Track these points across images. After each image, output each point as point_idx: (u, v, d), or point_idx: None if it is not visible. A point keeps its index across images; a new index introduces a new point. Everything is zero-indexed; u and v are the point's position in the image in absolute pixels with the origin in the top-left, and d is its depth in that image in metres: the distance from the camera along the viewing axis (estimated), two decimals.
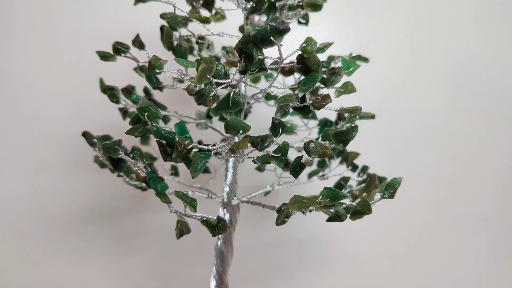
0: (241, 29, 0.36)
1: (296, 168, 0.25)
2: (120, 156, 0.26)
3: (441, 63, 0.51)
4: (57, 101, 0.47)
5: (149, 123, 0.23)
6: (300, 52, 0.24)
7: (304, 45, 0.23)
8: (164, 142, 0.24)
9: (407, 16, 0.51)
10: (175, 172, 0.39)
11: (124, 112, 0.34)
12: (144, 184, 0.28)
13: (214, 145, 0.24)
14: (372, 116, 0.30)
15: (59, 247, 0.48)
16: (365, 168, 0.34)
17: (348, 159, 0.34)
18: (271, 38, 0.21)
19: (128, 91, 0.32)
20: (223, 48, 0.36)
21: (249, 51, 0.22)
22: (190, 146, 0.22)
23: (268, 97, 0.37)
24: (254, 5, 0.26)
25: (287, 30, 0.22)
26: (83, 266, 0.48)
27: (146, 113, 0.23)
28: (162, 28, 0.32)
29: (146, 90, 0.35)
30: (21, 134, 0.47)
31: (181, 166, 0.32)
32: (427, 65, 0.51)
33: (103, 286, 0.48)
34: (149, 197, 0.48)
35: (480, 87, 0.52)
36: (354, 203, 0.25)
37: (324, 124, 0.33)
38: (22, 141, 0.47)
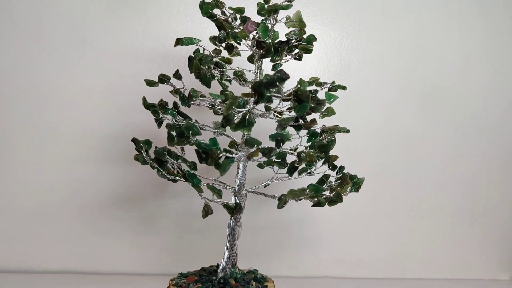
0: (249, 59, 0.46)
1: (291, 169, 0.37)
2: (166, 158, 0.37)
3: (411, 79, 0.63)
4: (93, 108, 0.57)
5: (191, 138, 0.34)
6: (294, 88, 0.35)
7: (299, 85, 0.34)
8: (201, 150, 0.35)
9: (384, 39, 0.62)
10: (194, 167, 0.50)
11: (159, 122, 0.44)
12: (176, 177, 0.39)
13: (236, 153, 0.34)
14: (347, 131, 0.41)
15: (93, 227, 0.59)
16: (341, 168, 0.45)
17: (329, 160, 0.45)
18: (277, 83, 0.32)
19: (163, 106, 0.43)
20: (234, 73, 0.47)
21: (261, 90, 0.33)
22: (221, 155, 0.33)
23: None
24: (263, 52, 0.37)
25: (288, 78, 0.32)
26: (113, 243, 0.59)
27: (191, 131, 0.33)
28: (190, 58, 0.42)
29: (175, 104, 0.45)
30: (64, 135, 0.57)
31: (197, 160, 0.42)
32: (399, 82, 0.63)
33: (130, 259, 0.60)
34: (168, 186, 0.59)
35: (441, 101, 0.64)
36: (331, 195, 0.36)
37: (312, 134, 0.44)
38: (64, 141, 0.57)
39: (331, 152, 0.43)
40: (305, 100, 0.36)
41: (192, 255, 0.59)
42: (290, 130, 0.48)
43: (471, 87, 0.64)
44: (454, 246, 0.67)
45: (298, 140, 0.47)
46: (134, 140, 0.40)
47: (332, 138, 0.38)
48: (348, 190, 0.38)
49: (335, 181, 0.43)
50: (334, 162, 0.46)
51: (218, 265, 0.46)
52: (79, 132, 0.57)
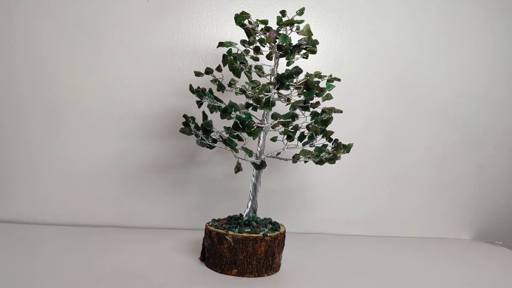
0: (267, 57, 0.61)
1: (300, 138, 0.52)
2: (211, 129, 0.52)
3: (392, 74, 0.79)
4: (136, 93, 0.72)
5: (233, 113, 0.49)
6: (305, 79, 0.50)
7: (308, 77, 0.50)
8: (239, 122, 0.50)
9: (369, 41, 0.77)
10: (232, 135, 0.64)
11: (200, 104, 0.58)
12: (213, 144, 0.54)
13: (264, 124, 0.50)
14: (341, 111, 0.57)
15: (135, 189, 0.74)
16: (336, 140, 0.60)
17: (327, 134, 0.60)
18: (294, 76, 0.47)
19: (204, 90, 0.57)
20: (256, 67, 0.61)
21: (282, 80, 0.48)
22: (254, 124, 0.48)
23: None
24: (282, 53, 0.52)
25: (301, 72, 0.48)
26: (150, 202, 0.74)
27: (233, 108, 0.48)
28: (224, 56, 0.57)
29: (210, 90, 0.60)
30: (112, 114, 0.72)
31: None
32: (383, 76, 0.78)
33: (164, 216, 0.75)
34: (196, 156, 0.74)
35: (412, 89, 0.80)
36: (330, 155, 0.52)
37: (315, 114, 0.60)
38: (112, 119, 0.72)
39: (328, 128, 0.58)
40: (312, 87, 0.51)
41: (214, 213, 0.74)
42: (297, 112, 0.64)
43: (445, 82, 0.80)
44: (425, 210, 0.83)
45: (305, 119, 0.63)
46: (185, 116, 0.55)
47: (330, 116, 0.54)
48: (342, 152, 0.53)
49: (331, 149, 0.59)
50: (331, 136, 0.62)
51: (241, 214, 0.61)
52: (125, 112, 0.72)
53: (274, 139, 0.64)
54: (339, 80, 0.58)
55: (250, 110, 0.56)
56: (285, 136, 0.59)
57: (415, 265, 0.64)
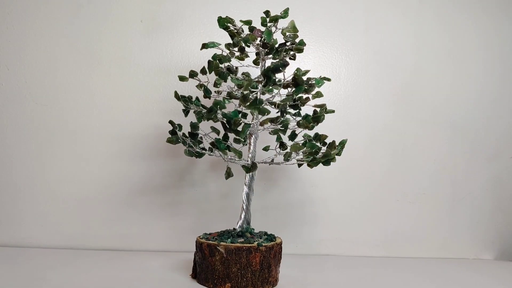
0: (254, 62, 0.60)
1: (292, 136, 0.50)
2: (197, 131, 0.50)
3: (388, 85, 0.78)
4: (130, 112, 0.72)
5: (219, 111, 0.48)
6: (293, 75, 0.50)
7: (296, 72, 0.49)
8: (225, 120, 0.48)
9: (366, 52, 0.77)
10: (223, 137, 0.62)
11: (186, 112, 0.58)
12: (202, 151, 0.52)
13: (251, 122, 0.48)
14: (333, 111, 0.55)
15: (127, 210, 0.72)
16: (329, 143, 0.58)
17: (320, 138, 0.58)
18: (280, 68, 0.47)
19: (190, 98, 0.57)
20: (243, 73, 0.61)
21: (269, 74, 0.47)
22: (241, 121, 0.47)
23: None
24: (268, 51, 0.51)
25: (288, 64, 0.47)
26: (144, 222, 0.72)
27: (219, 105, 0.47)
28: (209, 61, 0.56)
29: (197, 98, 0.59)
30: (103, 135, 0.72)
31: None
32: (376, 86, 0.77)
33: (160, 235, 0.72)
34: (185, 176, 0.73)
35: (417, 101, 0.78)
36: (324, 153, 0.50)
37: (306, 117, 0.58)
38: (101, 141, 0.72)
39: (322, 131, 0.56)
40: (300, 83, 0.50)
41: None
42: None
43: (452, 91, 0.79)
44: (439, 227, 0.79)
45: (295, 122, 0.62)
46: (171, 122, 0.54)
47: (322, 114, 0.52)
48: (337, 150, 0.51)
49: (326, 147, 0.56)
50: (325, 141, 0.60)
51: (234, 229, 0.58)
52: (118, 133, 0.73)
53: (266, 149, 0.62)
54: (329, 80, 0.57)
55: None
56: (278, 145, 0.57)
57: None
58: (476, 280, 0.61)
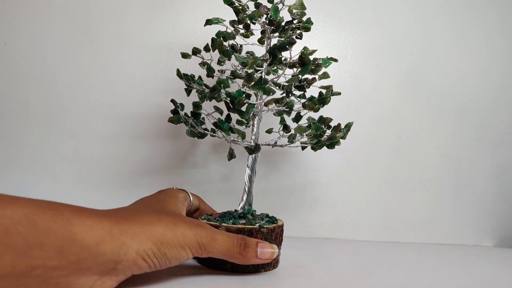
0: (259, 41, 0.59)
1: (297, 118, 0.49)
2: (200, 111, 0.49)
3: (395, 68, 0.76)
4: (130, 92, 0.70)
5: (222, 90, 0.47)
6: (299, 54, 0.48)
7: (303, 50, 0.47)
8: (229, 100, 0.47)
9: (374, 33, 0.76)
10: (226, 118, 0.61)
11: (189, 91, 0.56)
12: (205, 131, 0.51)
13: (256, 102, 0.47)
14: (339, 93, 0.54)
15: (123, 191, 0.71)
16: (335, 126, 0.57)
17: (325, 122, 0.57)
18: (287, 46, 0.45)
19: (193, 77, 0.55)
20: (247, 52, 0.59)
21: (275, 52, 0.46)
22: (245, 101, 0.46)
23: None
24: (274, 28, 0.50)
25: (295, 42, 0.46)
26: None
27: (223, 84, 0.46)
28: (213, 39, 0.55)
29: (200, 77, 0.58)
30: (101, 115, 0.71)
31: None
32: (383, 69, 0.76)
33: None
34: (187, 157, 0.72)
35: (424, 86, 0.77)
36: (329, 135, 0.49)
37: (311, 99, 0.57)
38: (102, 120, 0.71)
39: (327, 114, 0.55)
40: (307, 62, 0.49)
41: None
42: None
43: (459, 76, 0.78)
44: (440, 214, 0.79)
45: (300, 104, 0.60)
46: (173, 101, 0.53)
47: (328, 95, 0.51)
48: (343, 133, 0.50)
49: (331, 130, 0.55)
50: (330, 124, 0.58)
51: (236, 210, 0.57)
52: (120, 112, 0.71)
53: (269, 131, 0.61)
54: (336, 60, 0.55)
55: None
56: (281, 127, 0.56)
57: (429, 272, 0.56)
58: (474, 265, 0.63)
